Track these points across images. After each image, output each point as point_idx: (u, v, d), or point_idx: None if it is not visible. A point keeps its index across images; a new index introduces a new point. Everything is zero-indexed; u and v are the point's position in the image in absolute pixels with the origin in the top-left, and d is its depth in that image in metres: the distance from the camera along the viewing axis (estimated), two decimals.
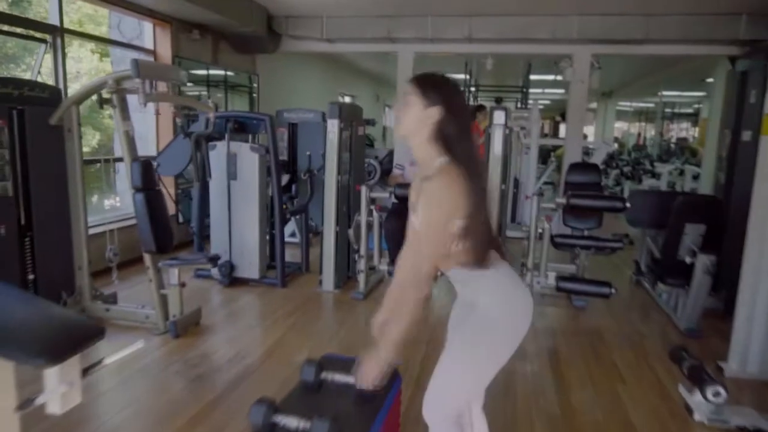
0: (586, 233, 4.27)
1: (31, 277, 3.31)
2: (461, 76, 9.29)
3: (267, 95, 7.20)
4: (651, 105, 17.26)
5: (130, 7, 4.76)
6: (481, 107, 4.89)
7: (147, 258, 3.34)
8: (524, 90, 9.99)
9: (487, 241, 1.53)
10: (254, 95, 7.17)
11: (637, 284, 4.79)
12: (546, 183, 8.82)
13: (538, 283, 4.12)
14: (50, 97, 3.37)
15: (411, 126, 1.50)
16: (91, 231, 3.76)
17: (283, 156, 5.16)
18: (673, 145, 15.28)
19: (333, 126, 4.22)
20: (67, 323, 1.90)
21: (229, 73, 6.55)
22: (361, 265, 4.26)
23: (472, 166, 1.46)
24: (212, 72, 6.25)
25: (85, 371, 2.00)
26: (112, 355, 2.08)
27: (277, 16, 6.33)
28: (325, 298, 4.25)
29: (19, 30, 4.07)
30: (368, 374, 1.52)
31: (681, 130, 19.61)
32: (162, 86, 3.40)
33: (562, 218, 4.59)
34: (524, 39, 5.94)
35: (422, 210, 1.47)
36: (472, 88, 10.59)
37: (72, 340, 1.79)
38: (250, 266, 4.41)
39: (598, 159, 6.63)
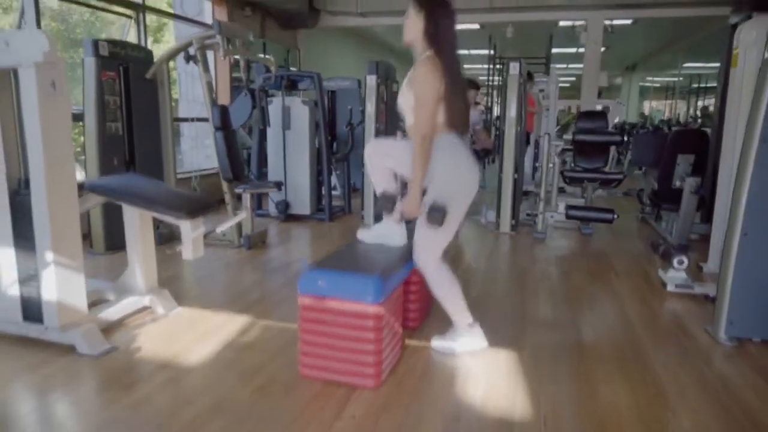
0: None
1: None
2: (485, 52, 9.84)
3: (308, 67, 7.93)
4: (677, 80, 17.38)
5: None
6: (471, 83, 5.36)
7: (224, 185, 4.11)
8: (547, 61, 10.48)
9: (460, 113, 2.16)
10: (291, 69, 7.92)
11: (642, 220, 5.37)
12: (565, 149, 9.35)
13: (551, 217, 4.76)
14: (145, 56, 4.16)
15: (409, 30, 2.13)
16: (179, 176, 4.55)
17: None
18: (699, 120, 15.47)
19: (371, 80, 4.92)
20: (194, 196, 2.68)
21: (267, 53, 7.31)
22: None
23: (450, 58, 2.10)
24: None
25: (206, 236, 2.80)
26: (220, 225, 2.87)
27: None
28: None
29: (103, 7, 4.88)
30: (410, 207, 2.20)
31: (710, 105, 19.64)
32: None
33: (573, 160, 5.21)
34: (542, 6, 6.51)
35: (416, 89, 2.08)
36: (498, 65, 11.14)
37: (199, 205, 2.59)
38: (302, 204, 5.18)
39: (612, 117, 7.16)
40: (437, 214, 2.11)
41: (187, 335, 2.51)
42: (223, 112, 4.02)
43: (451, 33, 2.13)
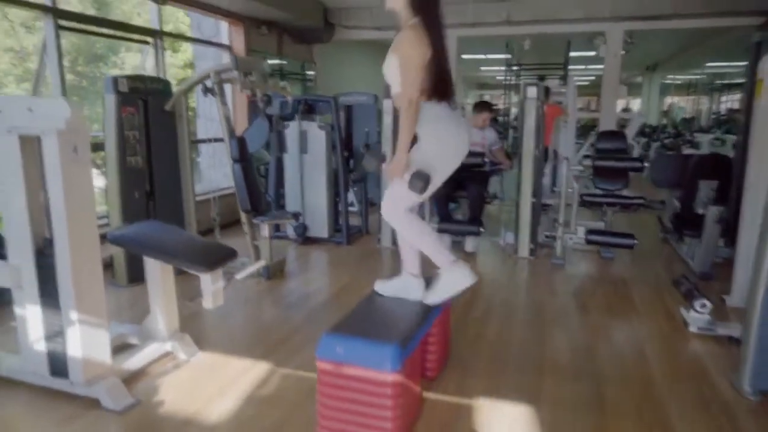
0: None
1: None
2: (503, 56, 9.73)
3: (324, 81, 7.96)
4: (700, 77, 17.02)
5: (210, 9, 5.58)
6: (484, 105, 5.27)
7: (243, 215, 4.15)
8: (565, 67, 10.34)
9: (445, 80, 2.23)
10: (308, 82, 7.94)
11: (664, 241, 5.29)
12: (586, 156, 9.23)
13: (570, 239, 4.72)
14: (164, 88, 4.20)
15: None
16: (198, 199, 4.61)
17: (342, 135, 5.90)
18: (722, 117, 15.13)
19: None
20: (213, 246, 2.70)
21: (283, 62, 7.33)
22: None
23: (435, 26, 2.17)
24: (270, 62, 7.04)
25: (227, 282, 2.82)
26: (240, 273, 2.90)
27: (332, 8, 7.05)
28: (383, 252, 4.99)
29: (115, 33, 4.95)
30: (395, 169, 2.23)
31: (734, 101, 19.18)
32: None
33: (593, 181, 5.14)
34: (559, 19, 6.43)
35: (401, 55, 2.13)
36: (515, 67, 11.03)
37: (218, 256, 2.61)
38: (320, 227, 5.20)
39: (632, 130, 7.04)
40: (419, 182, 2.17)
41: (209, 386, 2.54)
42: (241, 145, 4.05)
43: (434, 4, 2.21)
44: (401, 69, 2.16)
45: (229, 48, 6.15)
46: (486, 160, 4.73)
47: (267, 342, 3.05)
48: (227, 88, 4.04)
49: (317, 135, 5.05)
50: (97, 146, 4.08)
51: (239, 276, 2.86)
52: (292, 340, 3.08)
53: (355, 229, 5.53)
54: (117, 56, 8.93)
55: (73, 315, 2.26)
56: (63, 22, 4.06)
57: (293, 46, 7.22)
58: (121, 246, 2.62)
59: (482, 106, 5.03)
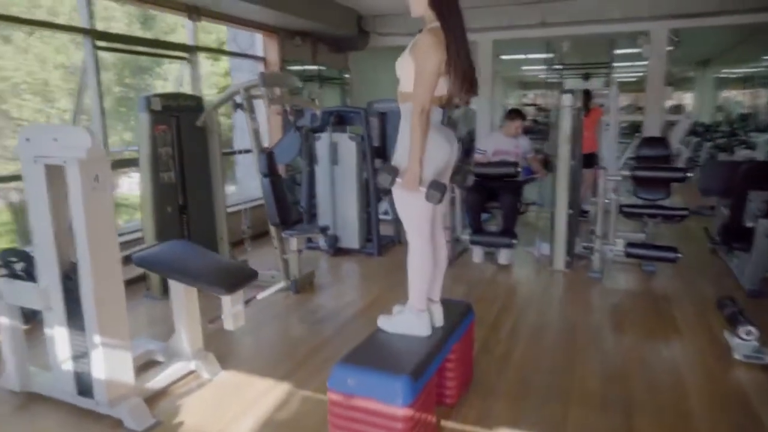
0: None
1: None
2: (544, 56, 9.46)
3: (359, 88, 7.96)
4: (757, 70, 16.05)
5: (244, 23, 5.67)
6: (517, 112, 5.09)
7: (272, 229, 4.18)
8: (609, 66, 9.98)
9: (461, 89, 2.14)
10: (346, 86, 7.97)
11: (713, 253, 4.99)
12: (630, 159, 8.86)
13: (609, 251, 4.52)
14: (196, 105, 4.29)
15: (414, 2, 2.15)
16: (229, 210, 4.69)
17: (376, 143, 5.86)
18: None
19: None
20: (234, 267, 2.72)
21: (321, 68, 7.37)
22: (446, 235, 4.88)
23: (456, 30, 2.09)
24: (307, 67, 7.10)
25: (246, 302, 2.84)
26: (262, 293, 2.91)
27: (366, 16, 7.04)
28: None
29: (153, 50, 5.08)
30: (409, 182, 2.13)
31: None
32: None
33: (633, 190, 4.92)
34: (597, 20, 6.19)
35: (418, 60, 2.07)
36: (557, 66, 10.73)
37: (239, 278, 2.62)
38: (351, 238, 5.20)
39: (678, 134, 6.71)
40: (437, 193, 2.07)
41: (230, 407, 2.56)
42: (269, 159, 4.08)
43: (455, 4, 2.14)
44: (416, 76, 2.09)
45: (263, 60, 6.24)
46: (518, 169, 4.59)
47: (291, 360, 3.04)
48: (262, 101, 4.08)
49: (348, 146, 5.05)
50: (132, 162, 4.21)
51: (260, 296, 2.88)
52: (316, 359, 3.07)
53: (387, 239, 5.50)
54: (161, 67, 9.22)
55: (96, 337, 2.32)
56: (100, 43, 4.20)
57: (328, 54, 7.25)
58: (145, 268, 2.67)
59: (514, 114, 4.89)
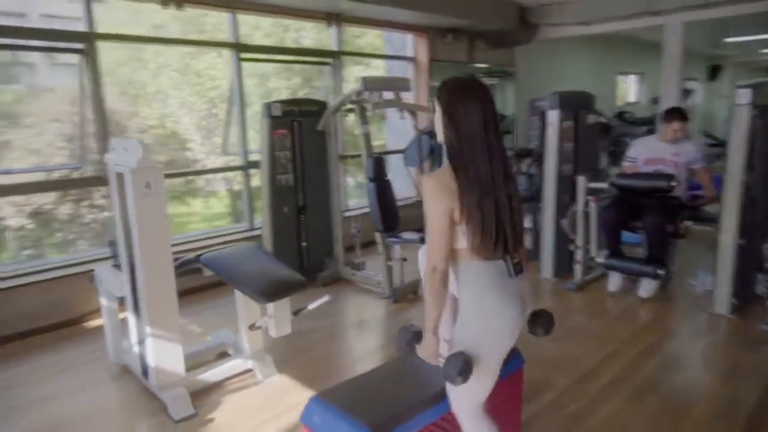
0: None
1: (304, 244, 4.50)
2: None
3: (527, 84, 7.38)
4: None
5: (389, 25, 5.69)
6: (676, 112, 3.92)
7: (377, 236, 4.13)
8: None
9: (495, 235, 1.59)
10: (503, 85, 7.47)
11: None
12: None
13: None
14: (318, 109, 4.45)
15: (438, 130, 1.65)
16: (347, 214, 4.80)
17: (534, 144, 5.29)
18: None
19: (553, 116, 4.29)
20: (281, 277, 2.72)
21: (484, 65, 7.02)
22: (578, 256, 4.23)
23: (474, 162, 1.56)
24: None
25: (295, 313, 2.85)
26: (312, 303, 2.88)
27: (531, 7, 6.47)
28: (539, 285, 4.38)
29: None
30: (425, 353, 1.76)
31: None
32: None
33: None
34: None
35: (425, 207, 1.61)
36: None
37: (281, 288, 2.62)
38: None
39: None
40: (455, 369, 1.59)
41: (265, 411, 2.60)
42: (377, 164, 4.03)
43: (471, 136, 1.57)
44: (426, 218, 1.64)
45: (413, 60, 6.19)
46: (673, 183, 3.69)
47: (348, 372, 2.96)
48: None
49: None
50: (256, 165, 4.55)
51: (311, 307, 2.85)
52: None
53: None
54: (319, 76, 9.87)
55: (148, 328, 2.57)
56: (244, 55, 4.63)
57: (488, 51, 6.87)
58: (208, 267, 2.86)
59: (673, 114, 3.94)
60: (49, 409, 2.69)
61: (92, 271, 3.10)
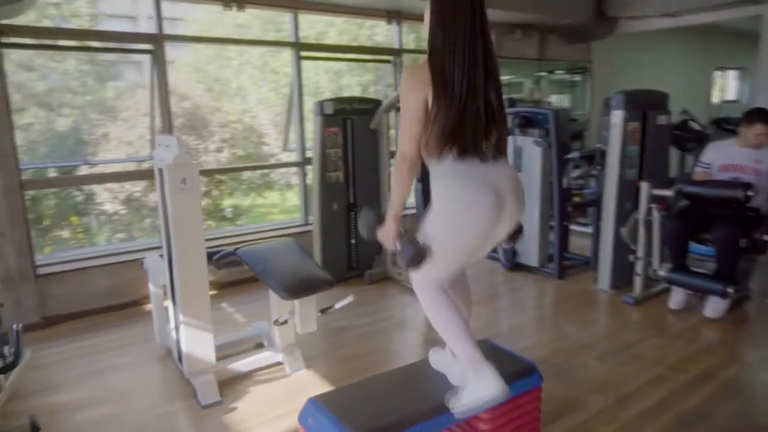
0: None
1: (353, 241, 4.54)
2: None
3: (605, 81, 6.95)
4: None
5: None
6: (752, 115, 3.42)
7: None
8: None
9: (465, 132, 1.69)
10: (575, 82, 7.08)
11: None
12: None
13: None
14: (371, 107, 4.46)
15: (425, 29, 1.77)
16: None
17: (597, 145, 5.00)
18: None
19: (617, 117, 4.01)
20: (309, 275, 2.78)
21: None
22: (638, 267, 3.94)
23: (452, 58, 1.66)
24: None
25: (322, 311, 2.89)
26: (339, 302, 2.91)
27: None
28: (594, 296, 4.13)
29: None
30: (383, 236, 1.84)
31: None
32: None
33: None
34: None
35: (400, 101, 1.73)
36: None
37: (306, 286, 2.67)
38: (530, 254, 4.67)
39: None
40: (408, 256, 1.74)
41: (286, 405, 2.65)
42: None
43: (460, 26, 1.67)
44: (400, 111, 1.77)
45: None
46: (750, 193, 3.33)
47: (375, 373, 2.96)
48: None
49: (533, 152, 4.51)
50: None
51: (338, 305, 2.87)
52: None
53: (581, 259, 4.76)
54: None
55: (181, 316, 2.71)
56: (304, 53, 4.74)
57: (562, 46, 6.55)
58: (244, 261, 2.96)
59: (754, 115, 3.52)
60: (98, 381, 2.93)
61: (143, 258, 3.31)
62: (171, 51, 4.23)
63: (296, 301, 2.72)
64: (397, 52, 5.32)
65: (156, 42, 4.03)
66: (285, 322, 2.84)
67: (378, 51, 5.52)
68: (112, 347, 3.35)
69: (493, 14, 5.32)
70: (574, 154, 5.39)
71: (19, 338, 2.47)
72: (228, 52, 8.96)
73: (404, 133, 1.75)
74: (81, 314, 3.77)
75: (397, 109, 4.11)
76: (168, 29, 4.10)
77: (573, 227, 5.34)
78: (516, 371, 2.10)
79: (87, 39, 4.39)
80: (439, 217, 1.77)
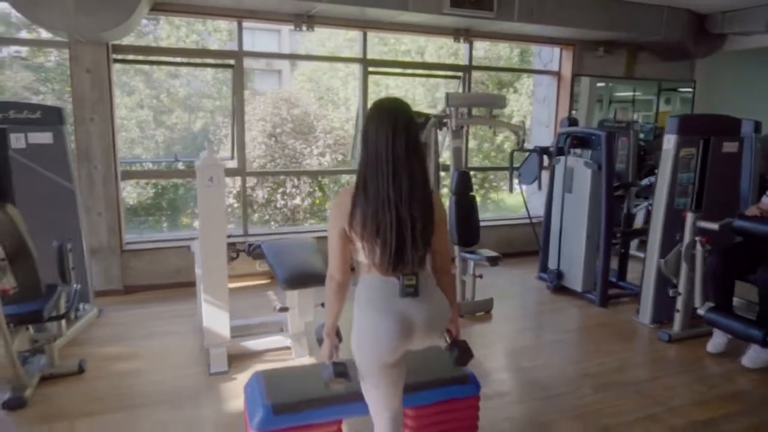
0: None
1: None
2: None
3: (710, 102, 6.38)
4: None
5: (527, 39, 5.55)
6: None
7: (455, 248, 4.19)
8: None
9: (391, 251, 1.64)
10: (668, 103, 6.55)
11: None
12: None
13: None
14: (423, 121, 4.65)
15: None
16: None
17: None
18: None
19: (669, 142, 3.80)
20: (307, 270, 3.09)
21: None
22: (678, 303, 3.69)
23: (371, 188, 1.63)
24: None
25: (323, 304, 3.17)
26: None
27: (711, 14, 5.62)
28: (629, 329, 3.93)
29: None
30: (322, 352, 1.89)
31: None
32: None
33: None
34: None
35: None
36: None
37: (302, 280, 2.99)
38: (575, 278, 4.53)
39: None
40: (328, 374, 1.79)
41: None
42: (462, 179, 4.10)
43: (381, 146, 1.62)
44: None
45: (557, 74, 5.92)
46: None
47: None
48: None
49: (583, 173, 4.39)
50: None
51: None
52: None
53: (631, 288, 4.50)
54: (519, 82, 9.73)
55: (200, 295, 3.17)
56: (371, 69, 5.08)
57: (655, 64, 6.16)
58: (265, 254, 3.35)
59: None
60: (144, 342, 3.51)
61: (191, 243, 3.87)
62: (286, 64, 4.76)
63: (296, 292, 3.05)
64: (467, 69, 5.45)
65: (237, 58, 4.63)
66: (285, 309, 3.18)
67: (445, 67, 5.69)
68: (165, 317, 3.95)
69: (565, 32, 5.27)
70: (645, 181, 5.13)
71: (76, 296, 3.09)
72: (337, 63, 9.65)
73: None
74: (152, 287, 4.47)
75: (440, 126, 4.28)
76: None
77: (637, 253, 5.05)
78: (449, 378, 2.21)
79: (181, 55, 5.15)
80: (353, 334, 1.79)
